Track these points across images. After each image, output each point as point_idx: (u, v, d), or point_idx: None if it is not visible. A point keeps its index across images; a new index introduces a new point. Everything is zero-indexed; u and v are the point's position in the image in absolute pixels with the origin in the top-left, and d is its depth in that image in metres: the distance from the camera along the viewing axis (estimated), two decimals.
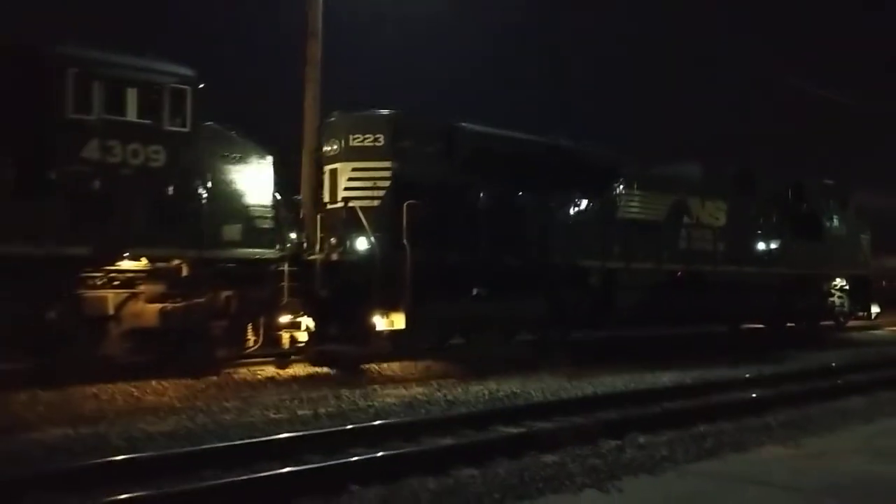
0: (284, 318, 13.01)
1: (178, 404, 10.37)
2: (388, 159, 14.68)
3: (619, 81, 48.39)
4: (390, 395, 11.37)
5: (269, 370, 13.23)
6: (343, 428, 8.58)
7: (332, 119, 15.13)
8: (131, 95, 11.22)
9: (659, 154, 22.69)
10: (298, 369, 13.41)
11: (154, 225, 11.33)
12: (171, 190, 11.48)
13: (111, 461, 6.93)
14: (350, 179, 14.65)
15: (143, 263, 11.57)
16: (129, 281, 11.52)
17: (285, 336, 13.17)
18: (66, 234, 10.61)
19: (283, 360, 13.43)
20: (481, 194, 15.69)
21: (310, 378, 12.93)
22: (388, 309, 14.00)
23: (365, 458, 7.19)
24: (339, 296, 13.95)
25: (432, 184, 14.88)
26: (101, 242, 10.90)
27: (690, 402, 11.36)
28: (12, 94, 10.55)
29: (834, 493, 6.34)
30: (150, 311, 11.58)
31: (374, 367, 13.99)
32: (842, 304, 24.77)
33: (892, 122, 37.34)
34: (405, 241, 14.01)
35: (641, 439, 8.34)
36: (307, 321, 13.28)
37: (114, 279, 11.38)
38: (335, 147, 14.92)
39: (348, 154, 14.75)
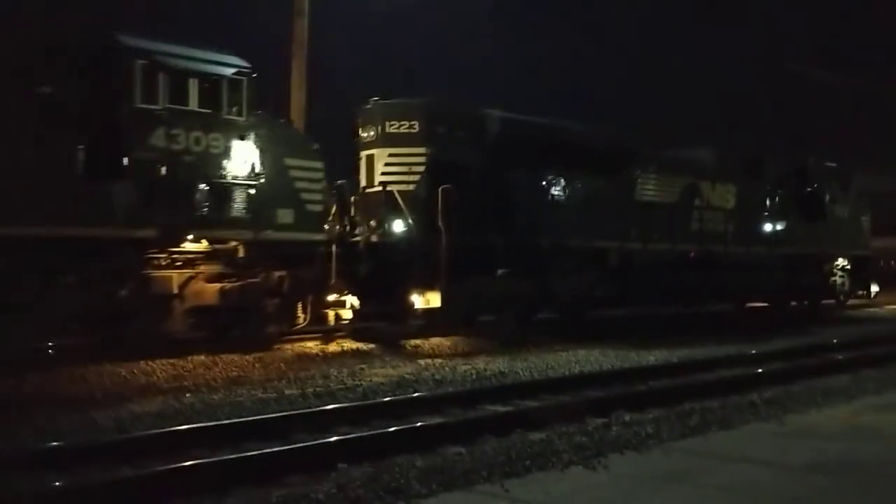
0: (331, 297, 13.71)
1: (165, 385, 10.34)
2: (423, 145, 15.40)
3: (628, 67, 48.78)
4: (378, 375, 11.36)
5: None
6: (331, 407, 8.73)
7: (369, 106, 15.77)
8: (193, 86, 11.83)
9: (670, 138, 23.24)
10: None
11: (214, 209, 11.98)
12: (229, 176, 12.13)
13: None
14: (387, 164, 15.38)
15: (203, 245, 12.22)
16: (190, 261, 12.17)
17: (331, 314, 13.89)
18: (135, 218, 11.27)
19: (328, 336, 14.13)
20: (508, 178, 16.42)
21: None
22: (424, 288, 14.79)
23: (352, 437, 7.38)
24: (379, 275, 14.65)
25: (463, 168, 15.64)
26: (166, 225, 11.56)
27: (700, 377, 11.80)
28: (86, 84, 11.13)
29: (819, 469, 6.32)
30: (209, 289, 12.25)
31: (360, 345, 13.92)
32: (843, 284, 25.69)
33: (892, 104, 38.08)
34: (440, 224, 14.77)
35: (627, 417, 8.41)
36: (352, 300, 13.98)
37: (176, 260, 12.03)
38: (371, 133, 15.60)
39: (385, 140, 15.45)
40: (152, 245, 11.65)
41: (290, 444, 7.18)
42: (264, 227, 12.57)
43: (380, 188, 15.15)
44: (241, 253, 12.54)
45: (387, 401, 9.23)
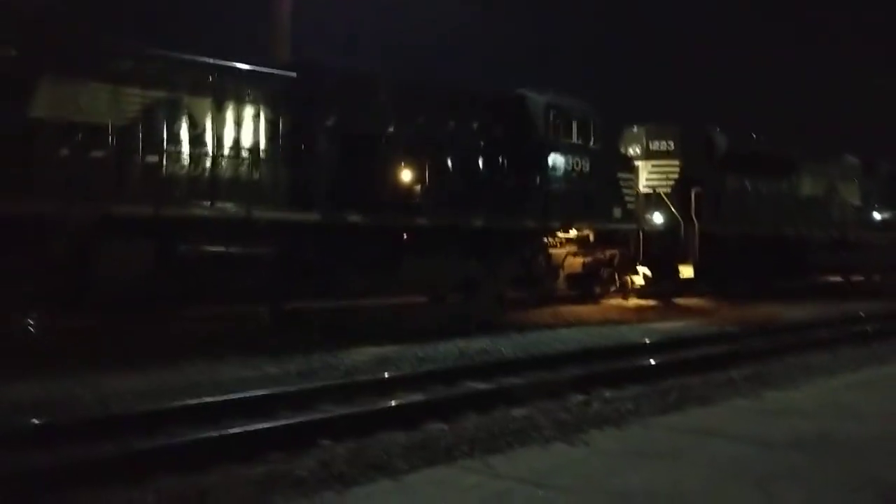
0: (633, 268, 19.53)
1: (149, 362, 10.19)
2: (677, 158, 21.20)
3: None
4: (361, 353, 11.58)
5: None
6: (313, 385, 8.85)
7: (634, 130, 21.58)
8: (573, 125, 17.52)
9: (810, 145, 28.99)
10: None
11: (582, 209, 17.70)
12: (590, 187, 17.85)
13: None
14: (650, 173, 21.18)
15: (571, 233, 17.94)
16: (563, 244, 17.92)
17: (629, 280, 19.69)
18: (543, 214, 16.96)
19: (626, 296, 20.00)
20: (726, 181, 22.26)
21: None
22: (683, 263, 20.65)
23: (335, 415, 7.46)
24: (653, 254, 20.43)
25: (700, 176, 21.47)
26: (563, 219, 17.29)
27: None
28: (506, 124, 16.72)
29: (797, 446, 6.35)
30: (576, 262, 18.04)
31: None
32: None
33: None
34: (693, 216, 20.62)
35: (608, 394, 8.73)
36: (644, 270, 19.78)
37: (557, 243, 17.77)
38: (637, 150, 21.39)
39: (648, 155, 21.25)
40: (551, 232, 17.38)
41: (274, 422, 7.20)
42: (606, 220, 18.34)
43: (649, 191, 20.94)
44: (591, 238, 18.29)
45: (369, 379, 9.41)
